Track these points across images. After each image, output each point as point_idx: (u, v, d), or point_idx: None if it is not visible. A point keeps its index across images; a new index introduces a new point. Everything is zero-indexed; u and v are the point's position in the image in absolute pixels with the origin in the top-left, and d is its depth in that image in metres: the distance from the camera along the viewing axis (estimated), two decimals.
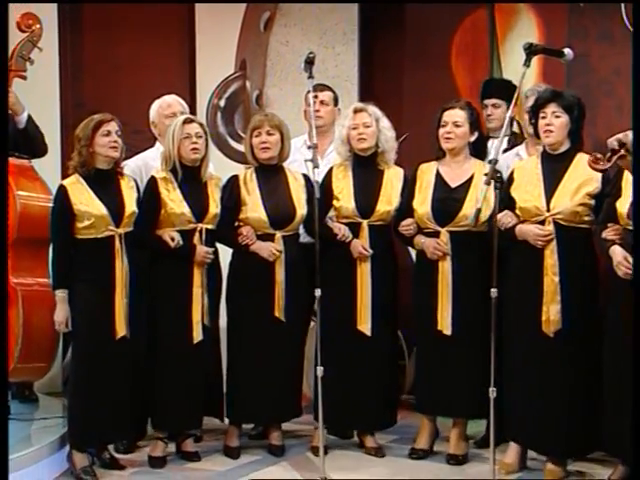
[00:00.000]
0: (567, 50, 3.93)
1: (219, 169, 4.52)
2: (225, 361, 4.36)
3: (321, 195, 4.01)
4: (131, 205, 4.04)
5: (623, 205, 3.63)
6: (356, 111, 4.30)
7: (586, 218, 3.87)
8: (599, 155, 3.52)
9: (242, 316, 4.26)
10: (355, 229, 4.25)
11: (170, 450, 4.27)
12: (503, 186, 3.79)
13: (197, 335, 4.13)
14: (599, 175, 3.78)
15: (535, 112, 3.98)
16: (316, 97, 4.49)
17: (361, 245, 4.23)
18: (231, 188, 4.26)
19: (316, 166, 3.89)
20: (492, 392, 3.56)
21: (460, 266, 4.09)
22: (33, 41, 4.56)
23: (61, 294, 3.96)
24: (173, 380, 4.14)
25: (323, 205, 4.13)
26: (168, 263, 4.13)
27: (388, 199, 4.27)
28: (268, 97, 5.82)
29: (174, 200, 4.13)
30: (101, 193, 3.97)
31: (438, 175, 4.20)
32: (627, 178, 3.63)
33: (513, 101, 3.75)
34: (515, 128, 4.72)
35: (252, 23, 5.80)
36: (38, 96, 4.94)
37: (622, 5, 5.06)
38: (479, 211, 3.70)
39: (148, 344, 4.12)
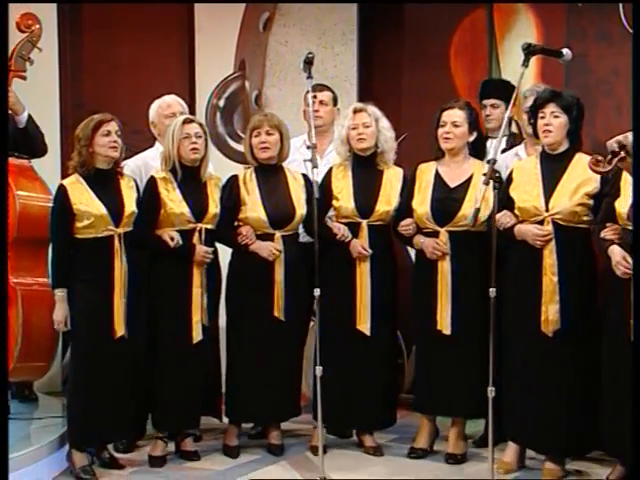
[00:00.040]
0: (565, 50, 3.94)
1: (218, 169, 4.53)
2: (224, 361, 4.36)
3: (321, 195, 4.02)
4: (131, 205, 4.05)
5: (622, 205, 3.63)
6: (356, 111, 4.30)
7: (585, 218, 3.88)
8: (600, 158, 3.52)
9: (241, 316, 4.26)
10: (354, 229, 4.26)
11: (169, 449, 4.27)
12: (502, 186, 3.79)
13: (197, 335, 4.14)
14: (598, 175, 3.79)
15: (534, 112, 3.98)
16: (315, 97, 4.50)
17: (360, 245, 4.24)
18: (231, 188, 4.27)
19: (315, 166, 3.89)
20: (491, 392, 3.57)
21: (459, 266, 4.10)
22: (33, 41, 4.57)
23: (60, 293, 3.96)
24: (173, 380, 4.15)
25: (322, 205, 4.13)
26: (168, 263, 4.14)
27: (387, 199, 4.28)
28: (267, 97, 5.82)
29: (174, 200, 4.14)
30: (101, 193, 3.97)
31: (437, 175, 4.20)
32: (626, 178, 3.64)
33: (511, 101, 3.75)
34: (514, 128, 4.72)
35: (251, 23, 5.80)
36: (38, 96, 4.94)
37: (620, 5, 5.06)
38: (478, 211, 3.71)
39: (148, 344, 4.12)
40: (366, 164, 4.32)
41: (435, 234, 4.13)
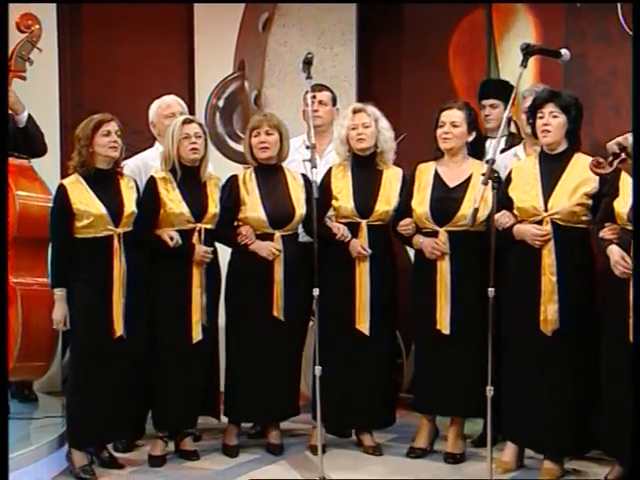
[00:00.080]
0: (564, 51, 3.94)
1: (218, 169, 4.53)
2: (224, 360, 4.37)
3: (320, 195, 4.02)
4: (130, 205, 4.05)
5: (621, 205, 3.64)
6: (355, 111, 4.31)
7: (583, 218, 3.88)
8: (601, 160, 3.53)
9: (241, 315, 4.27)
10: (354, 229, 4.27)
11: (169, 449, 4.27)
12: (501, 186, 3.80)
13: (196, 335, 4.14)
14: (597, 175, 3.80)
15: (533, 112, 3.99)
16: (314, 97, 4.51)
17: (360, 245, 4.24)
18: (230, 188, 4.28)
19: (314, 166, 3.90)
20: (489, 391, 3.57)
21: (458, 266, 4.11)
22: (32, 42, 4.58)
23: (59, 293, 3.97)
24: (172, 379, 4.15)
25: (322, 205, 4.14)
26: (167, 263, 4.15)
27: (387, 199, 4.28)
28: (266, 97, 5.83)
29: (173, 200, 4.14)
30: (101, 193, 3.98)
31: (436, 175, 4.21)
32: (625, 178, 3.65)
33: (510, 101, 3.75)
34: (513, 128, 4.73)
35: (251, 24, 5.81)
36: (37, 96, 4.94)
37: (619, 5, 5.07)
38: (476, 211, 3.71)
39: (147, 343, 4.12)
40: (365, 164, 4.33)
41: (434, 234, 4.14)
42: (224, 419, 4.41)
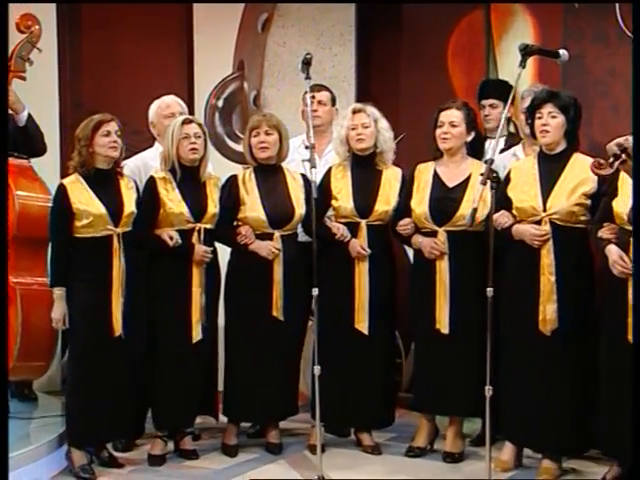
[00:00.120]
0: (562, 51, 3.94)
1: (217, 169, 4.54)
2: (222, 360, 4.37)
3: (320, 195, 4.03)
4: (130, 205, 4.06)
5: (619, 205, 3.64)
6: (355, 112, 4.32)
7: (582, 218, 3.89)
8: (602, 161, 3.56)
9: (240, 315, 4.28)
10: (353, 229, 4.27)
11: (169, 448, 4.28)
12: (499, 186, 3.81)
13: (196, 334, 4.15)
14: (595, 175, 3.81)
15: (531, 112, 3.99)
16: (313, 97, 4.51)
17: (359, 245, 4.25)
18: (230, 188, 4.28)
19: (313, 166, 3.90)
20: (488, 390, 3.58)
21: (457, 265, 4.12)
22: (32, 42, 4.59)
23: (59, 292, 3.97)
24: (172, 379, 4.16)
25: (321, 205, 4.15)
26: (167, 262, 4.15)
27: (386, 199, 4.29)
28: (266, 97, 5.83)
29: (173, 200, 4.15)
30: (100, 192, 3.98)
31: (435, 175, 4.22)
32: (623, 177, 3.65)
33: (509, 101, 3.76)
34: (512, 128, 4.73)
35: (250, 24, 5.82)
36: (37, 96, 4.94)
37: (617, 6, 5.08)
38: (475, 211, 3.71)
39: (147, 343, 4.13)
40: (365, 164, 4.34)
41: (433, 234, 4.15)
42: (223, 418, 4.42)
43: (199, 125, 4.22)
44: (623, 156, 3.48)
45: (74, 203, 3.95)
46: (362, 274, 4.26)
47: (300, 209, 4.28)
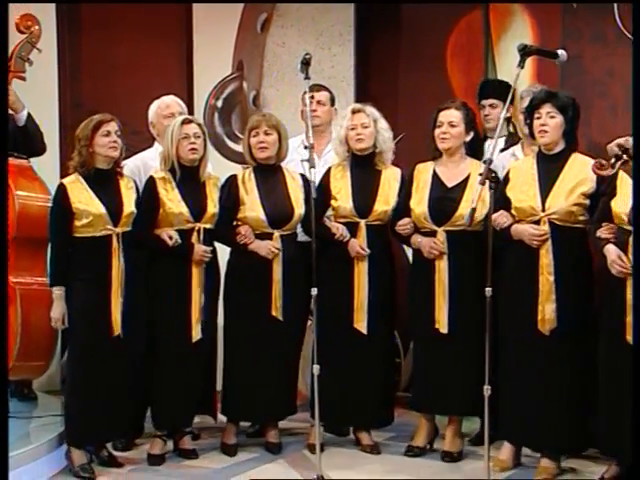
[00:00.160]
0: (561, 51, 3.95)
1: (217, 169, 4.55)
2: (221, 359, 4.38)
3: (319, 195, 4.04)
4: (129, 205, 4.06)
5: (618, 204, 3.65)
6: (354, 112, 4.33)
7: (581, 218, 3.90)
8: (604, 161, 3.59)
9: (239, 315, 4.28)
10: (353, 229, 4.28)
11: (168, 448, 4.28)
12: (498, 186, 3.81)
13: (196, 334, 4.15)
14: (594, 175, 3.82)
15: (530, 113, 4.00)
16: (312, 97, 4.52)
17: (359, 245, 4.26)
18: (229, 188, 4.29)
19: (312, 166, 3.90)
20: (487, 390, 3.58)
21: (456, 265, 4.12)
22: (32, 42, 4.59)
23: (58, 291, 3.98)
24: (171, 378, 4.17)
25: (321, 205, 4.15)
26: (166, 262, 4.16)
27: (385, 199, 4.30)
28: (265, 98, 5.84)
29: (172, 200, 4.16)
30: (100, 192, 3.99)
31: (435, 175, 4.23)
32: (622, 177, 3.66)
33: (507, 102, 3.77)
34: (512, 128, 4.74)
35: (249, 24, 5.82)
36: (37, 96, 4.95)
37: (615, 6, 5.09)
38: (474, 211, 3.71)
39: (146, 343, 4.13)
40: (364, 164, 4.34)
41: (432, 233, 4.15)
42: (222, 418, 4.43)
43: (199, 125, 4.23)
44: (624, 157, 3.50)
45: (74, 203, 3.96)
46: (361, 274, 4.27)
47: (299, 209, 4.29)
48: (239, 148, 4.79)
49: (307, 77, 4.02)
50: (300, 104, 4.72)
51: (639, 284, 3.46)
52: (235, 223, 4.30)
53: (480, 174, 3.65)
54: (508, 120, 4.54)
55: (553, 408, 3.91)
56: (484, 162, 3.72)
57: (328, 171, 4.40)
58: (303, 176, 4.35)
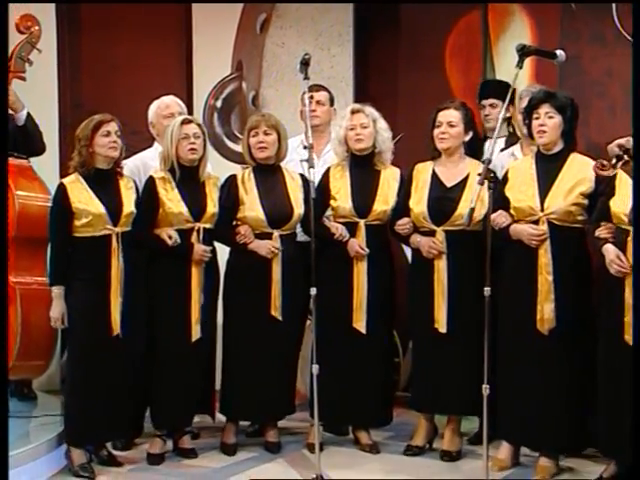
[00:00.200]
0: (559, 52, 3.96)
1: (216, 169, 4.55)
2: (219, 359, 4.39)
3: (318, 195, 4.04)
4: (129, 205, 4.07)
5: (617, 204, 3.66)
6: (353, 112, 4.33)
7: (579, 218, 3.90)
8: (605, 162, 3.61)
9: (239, 314, 4.29)
10: (352, 228, 4.29)
11: (168, 447, 4.28)
12: (497, 186, 3.82)
13: (195, 333, 4.16)
14: (592, 175, 3.83)
15: (529, 113, 4.01)
16: (312, 97, 4.52)
17: (358, 244, 4.27)
18: (229, 188, 4.30)
19: (311, 166, 3.90)
20: (485, 389, 3.59)
21: (455, 265, 4.13)
22: (32, 42, 4.61)
23: (57, 290, 3.99)
24: (171, 378, 4.17)
25: (320, 205, 4.16)
26: (166, 262, 4.16)
27: (385, 199, 4.31)
28: (264, 98, 5.85)
29: (172, 200, 4.16)
30: (100, 192, 4.00)
31: (434, 175, 4.23)
32: (621, 177, 3.67)
33: (506, 102, 3.78)
34: (512, 128, 4.75)
35: (248, 25, 5.83)
36: (37, 96, 4.95)
37: (613, 7, 5.10)
38: (472, 211, 3.71)
39: (146, 342, 4.13)
40: (363, 164, 4.35)
41: (432, 233, 4.16)
42: (221, 417, 4.43)
43: (198, 125, 4.23)
44: (625, 157, 3.52)
45: (74, 202, 3.96)
46: (360, 274, 4.28)
47: (299, 209, 4.29)
48: (238, 148, 4.80)
49: (306, 77, 4.03)
50: (299, 104, 4.73)
51: (639, 284, 3.47)
52: (235, 223, 4.31)
53: (479, 174, 3.65)
54: (509, 120, 4.55)
55: (552, 407, 3.91)
56: (483, 162, 3.73)
57: (327, 171, 4.40)
58: (302, 176, 4.35)
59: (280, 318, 4.26)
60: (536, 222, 3.92)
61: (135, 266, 4.07)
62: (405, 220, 4.22)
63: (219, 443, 4.39)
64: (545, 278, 3.89)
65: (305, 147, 3.98)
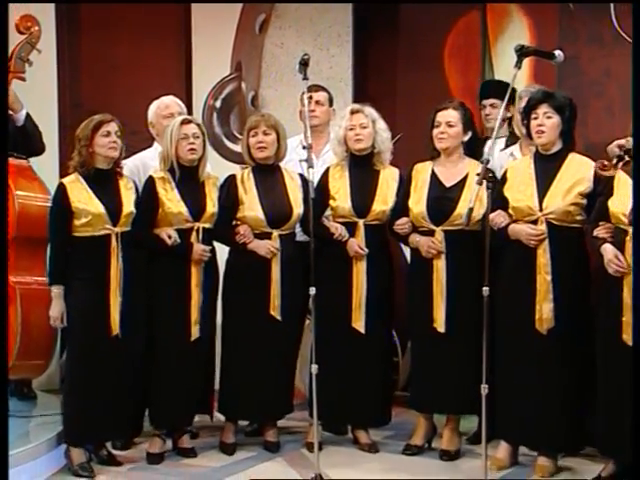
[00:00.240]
0: (558, 52, 3.97)
1: (215, 169, 4.55)
2: (218, 358, 4.39)
3: (318, 195, 4.05)
4: (129, 205, 4.08)
5: (615, 204, 3.66)
6: (353, 112, 4.34)
7: (578, 217, 3.91)
8: (606, 162, 3.64)
9: (238, 314, 4.29)
10: (351, 228, 4.29)
11: (167, 447, 4.28)
12: (496, 186, 3.83)
13: (195, 333, 4.17)
14: (591, 175, 3.84)
15: (527, 113, 4.01)
16: (311, 97, 4.53)
17: (357, 244, 4.27)
18: (228, 187, 4.30)
19: (311, 166, 3.91)
20: (484, 389, 3.60)
21: (454, 264, 4.13)
22: (32, 43, 4.60)
23: (57, 290, 3.99)
24: (170, 377, 4.17)
25: (319, 204, 4.17)
26: (165, 262, 4.17)
27: (384, 199, 4.31)
28: (263, 98, 5.86)
29: (172, 199, 4.17)
30: (100, 192, 4.00)
31: (433, 175, 4.24)
32: (619, 177, 3.68)
33: (504, 102, 3.79)
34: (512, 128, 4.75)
35: (247, 25, 5.84)
36: (36, 96, 4.95)
37: (612, 7, 5.11)
38: (471, 210, 3.73)
39: (145, 342, 4.14)
40: (363, 164, 4.36)
41: (431, 233, 4.17)
42: (220, 417, 4.44)
43: (198, 125, 4.24)
44: (626, 157, 3.53)
45: (73, 202, 3.97)
46: (360, 273, 4.28)
47: (298, 209, 4.30)
48: (238, 148, 4.81)
49: (305, 78, 4.03)
50: (298, 104, 4.74)
51: (638, 284, 3.48)
52: (234, 223, 4.32)
53: (478, 174, 3.66)
54: (509, 120, 4.56)
55: (550, 407, 3.92)
56: (482, 162, 3.74)
57: (326, 171, 4.41)
58: (302, 176, 4.35)
59: (279, 318, 4.26)
60: (535, 222, 3.93)
61: (134, 266, 4.07)
62: (404, 220, 4.23)
63: (218, 442, 4.39)
64: (544, 278, 3.89)
65: (304, 147, 3.98)
